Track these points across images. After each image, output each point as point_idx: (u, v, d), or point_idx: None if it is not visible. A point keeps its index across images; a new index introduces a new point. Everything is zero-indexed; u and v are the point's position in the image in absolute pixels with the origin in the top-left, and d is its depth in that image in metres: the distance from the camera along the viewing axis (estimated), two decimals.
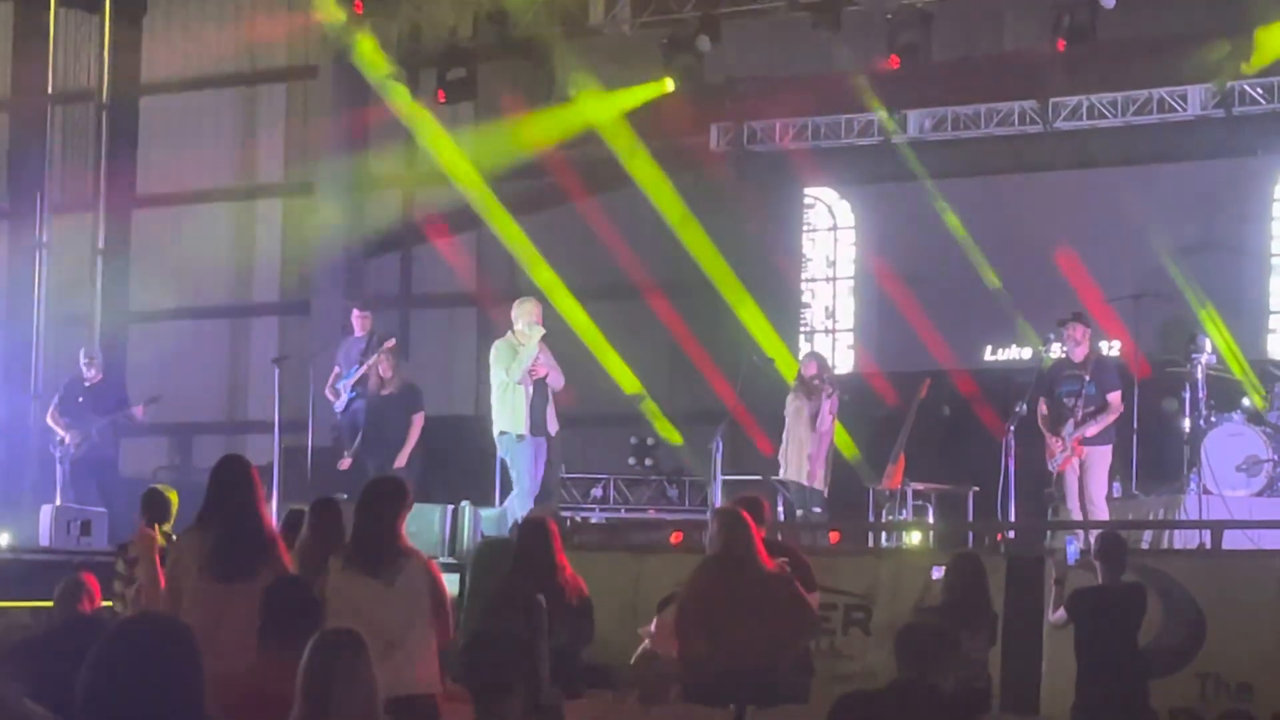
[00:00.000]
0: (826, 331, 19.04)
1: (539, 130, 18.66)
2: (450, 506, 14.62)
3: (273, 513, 11.04)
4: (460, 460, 16.63)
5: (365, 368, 16.03)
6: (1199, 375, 14.22)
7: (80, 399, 16.85)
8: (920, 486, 14.87)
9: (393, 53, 18.74)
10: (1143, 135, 17.61)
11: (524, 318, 14.70)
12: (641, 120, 18.38)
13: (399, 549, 8.02)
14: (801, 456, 15.04)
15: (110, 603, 10.59)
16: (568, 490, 17.17)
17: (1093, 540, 10.43)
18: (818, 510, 15.02)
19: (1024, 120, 17.97)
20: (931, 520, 14.65)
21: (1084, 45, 16.05)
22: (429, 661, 7.94)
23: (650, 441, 18.34)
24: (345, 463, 15.91)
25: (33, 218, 20.58)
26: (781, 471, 15.21)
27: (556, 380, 14.78)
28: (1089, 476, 13.77)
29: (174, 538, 9.47)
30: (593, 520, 16.24)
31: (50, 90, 21.08)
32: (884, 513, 14.82)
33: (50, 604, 9.57)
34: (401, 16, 18.69)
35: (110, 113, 20.74)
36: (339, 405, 16.41)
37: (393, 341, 16.28)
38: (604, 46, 18.36)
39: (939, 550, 12.49)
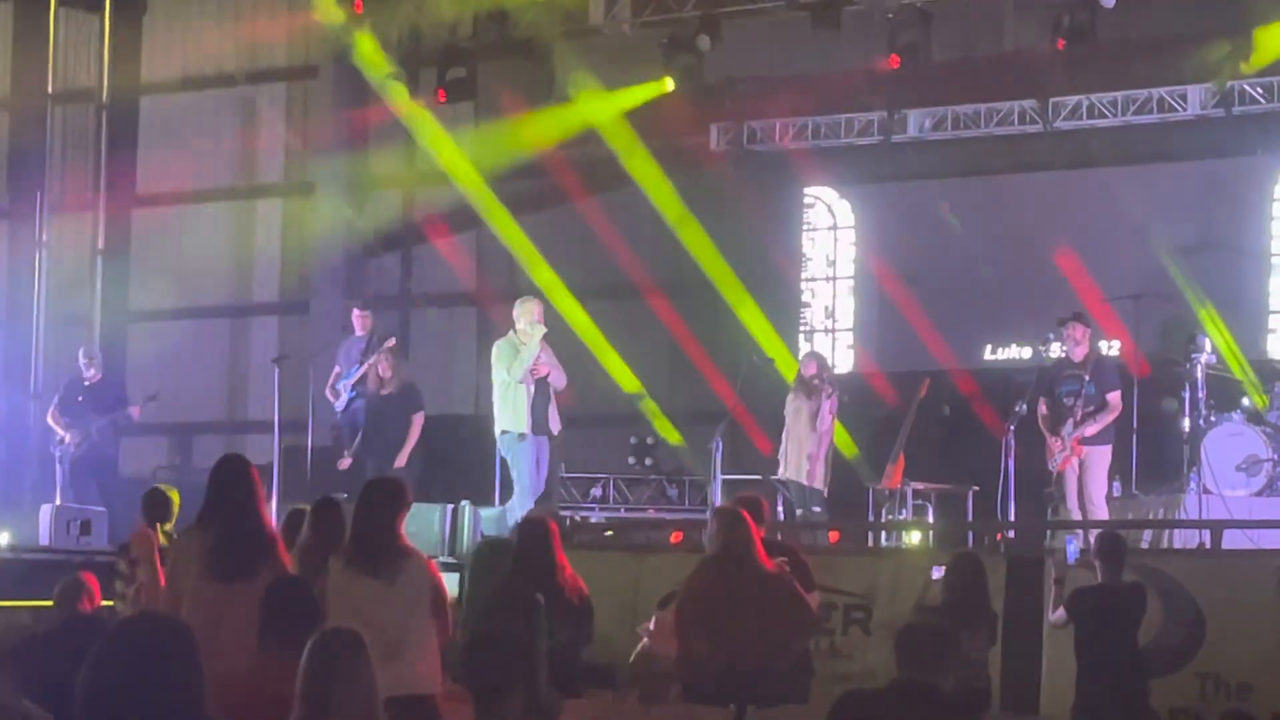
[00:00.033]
0: (826, 331, 19.03)
1: (539, 130, 18.66)
2: (450, 506, 14.63)
3: (273, 513, 11.05)
4: (460, 460, 16.64)
5: (365, 367, 16.04)
6: (1199, 375, 14.23)
7: (80, 399, 16.85)
8: (920, 486, 14.87)
9: (393, 52, 18.75)
10: (1142, 135, 17.60)
11: (525, 317, 14.70)
12: (641, 120, 18.38)
13: (399, 549, 8.03)
14: (801, 456, 15.05)
15: (112, 602, 10.60)
16: (567, 490, 17.16)
17: (1093, 540, 10.43)
18: (817, 510, 15.02)
19: (1024, 120, 17.97)
20: (931, 520, 14.65)
21: (1084, 45, 16.05)
22: (429, 661, 7.94)
23: (650, 441, 18.35)
24: (345, 462, 15.92)
25: (33, 218, 20.59)
26: (781, 471, 15.21)
27: (558, 379, 14.78)
28: (1088, 476, 13.76)
29: (175, 537, 9.47)
30: (592, 520, 16.23)
31: (50, 90, 21.09)
32: (884, 512, 14.82)
33: (50, 604, 9.59)
34: (401, 16, 18.69)
35: (110, 113, 20.76)
36: (339, 405, 16.42)
37: (393, 341, 16.29)
38: (604, 46, 18.36)
39: (939, 550, 12.49)
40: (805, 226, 19.17)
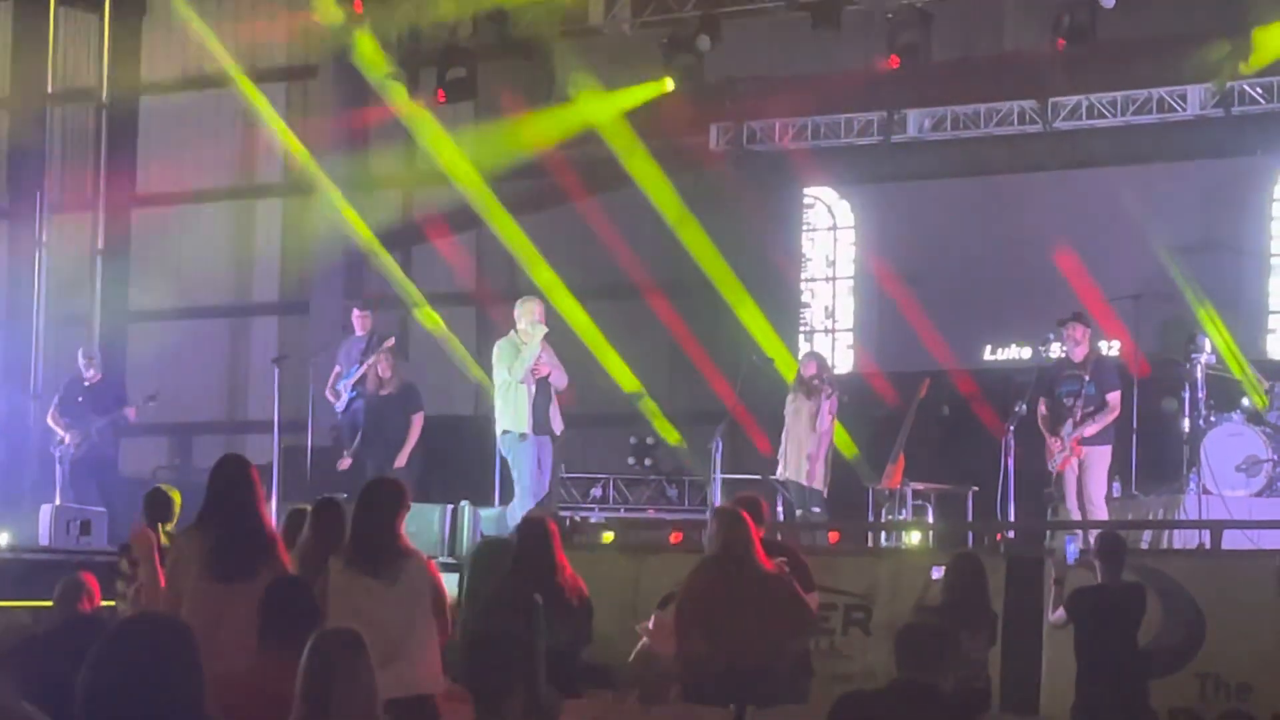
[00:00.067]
0: (826, 331, 19.03)
1: (539, 130, 18.66)
2: (450, 506, 14.63)
3: (273, 513, 11.05)
4: (460, 460, 16.63)
5: (365, 367, 16.04)
6: (1199, 375, 14.22)
7: (80, 399, 16.86)
8: (920, 486, 14.87)
9: (392, 52, 18.75)
10: (1142, 135, 17.61)
11: (526, 316, 14.68)
12: (641, 120, 18.38)
13: (399, 549, 8.03)
14: (801, 456, 15.05)
15: (112, 602, 10.60)
16: (567, 490, 17.15)
17: (1092, 540, 10.43)
18: (817, 510, 15.02)
19: (1023, 120, 17.97)
20: (931, 520, 14.65)
21: (1084, 45, 16.06)
22: (430, 661, 7.95)
23: (650, 441, 18.34)
24: (345, 463, 15.93)
25: (33, 218, 20.58)
26: (781, 471, 15.21)
27: (560, 379, 14.76)
28: (1088, 476, 13.76)
29: (175, 537, 9.47)
30: (592, 520, 16.22)
31: (50, 90, 21.07)
32: (884, 512, 14.82)
33: (50, 604, 9.59)
34: (401, 16, 18.68)
35: (110, 113, 20.77)
36: (339, 405, 16.43)
37: (392, 341, 16.30)
38: (604, 46, 18.36)
39: (939, 550, 12.49)
40: (805, 227, 19.18)
